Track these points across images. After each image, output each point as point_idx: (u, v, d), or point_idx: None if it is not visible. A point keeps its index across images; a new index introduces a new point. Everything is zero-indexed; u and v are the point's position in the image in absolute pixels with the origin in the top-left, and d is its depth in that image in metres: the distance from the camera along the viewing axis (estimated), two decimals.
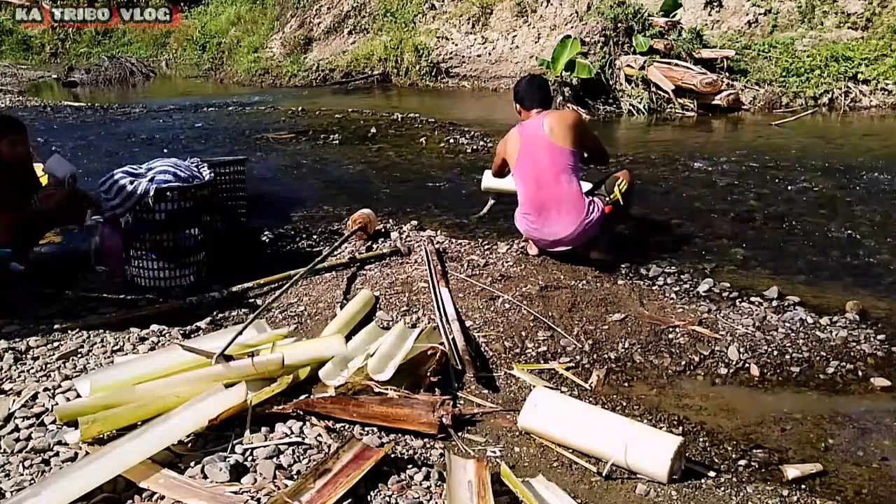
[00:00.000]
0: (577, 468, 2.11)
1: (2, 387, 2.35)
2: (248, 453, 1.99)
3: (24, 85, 14.93)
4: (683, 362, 2.74)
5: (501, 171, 3.88)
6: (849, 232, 4.24)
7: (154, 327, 2.90)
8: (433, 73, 12.35)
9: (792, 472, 2.09)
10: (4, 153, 3.50)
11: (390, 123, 8.30)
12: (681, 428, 2.34)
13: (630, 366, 2.73)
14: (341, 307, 3.06)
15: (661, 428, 2.29)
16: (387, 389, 2.34)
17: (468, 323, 2.93)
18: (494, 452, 2.17)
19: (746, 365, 2.72)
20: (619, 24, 9.02)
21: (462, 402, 2.45)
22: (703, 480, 2.04)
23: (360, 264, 3.57)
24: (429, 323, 2.91)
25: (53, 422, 2.13)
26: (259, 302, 3.21)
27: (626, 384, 2.63)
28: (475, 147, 6.80)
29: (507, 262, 3.55)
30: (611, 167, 4.18)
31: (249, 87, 14.00)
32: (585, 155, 3.69)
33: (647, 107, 8.65)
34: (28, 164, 3.87)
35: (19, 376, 2.43)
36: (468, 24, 12.44)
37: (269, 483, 1.86)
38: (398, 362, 2.43)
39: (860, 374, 2.67)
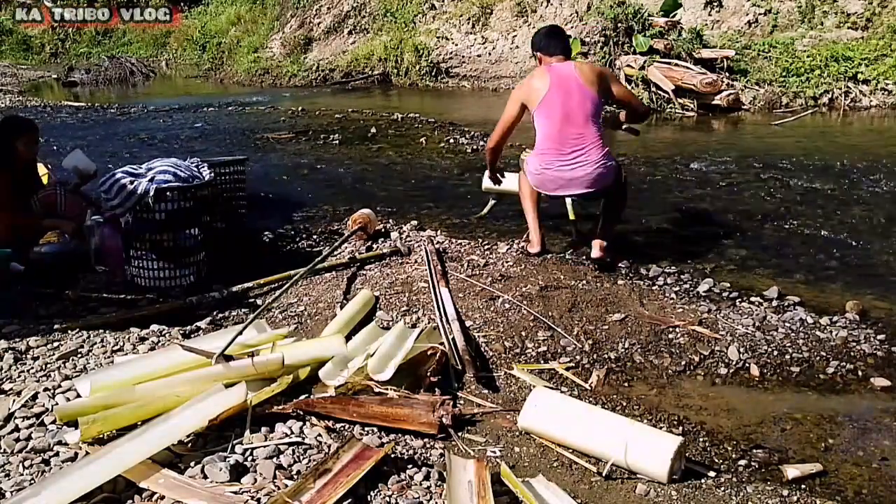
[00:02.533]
0: (577, 468, 2.11)
1: (2, 387, 2.35)
2: (248, 453, 1.99)
3: (24, 85, 14.94)
4: (683, 362, 2.74)
5: (506, 132, 3.68)
6: (849, 232, 4.24)
7: (154, 327, 2.90)
8: (433, 73, 12.36)
9: (792, 472, 2.09)
10: (20, 152, 3.59)
11: (390, 123, 8.30)
12: (681, 428, 2.34)
13: (630, 366, 2.73)
14: (341, 307, 3.06)
15: (661, 428, 2.29)
16: (387, 389, 2.33)
17: (468, 323, 2.93)
18: (494, 452, 2.17)
19: (746, 365, 2.72)
20: (619, 24, 9.03)
21: (462, 402, 2.45)
22: (703, 480, 2.04)
23: (360, 264, 3.57)
24: (429, 323, 2.91)
25: (53, 422, 2.13)
26: (259, 302, 3.21)
27: (626, 384, 2.63)
28: (475, 147, 6.80)
29: (507, 262, 3.55)
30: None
31: (249, 87, 14.01)
32: (614, 107, 3.66)
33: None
34: (33, 164, 3.91)
35: (19, 376, 2.43)
36: (468, 24, 12.44)
37: (269, 483, 1.86)
38: (398, 362, 2.43)
39: (860, 374, 2.67)
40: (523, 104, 3.60)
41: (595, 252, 3.53)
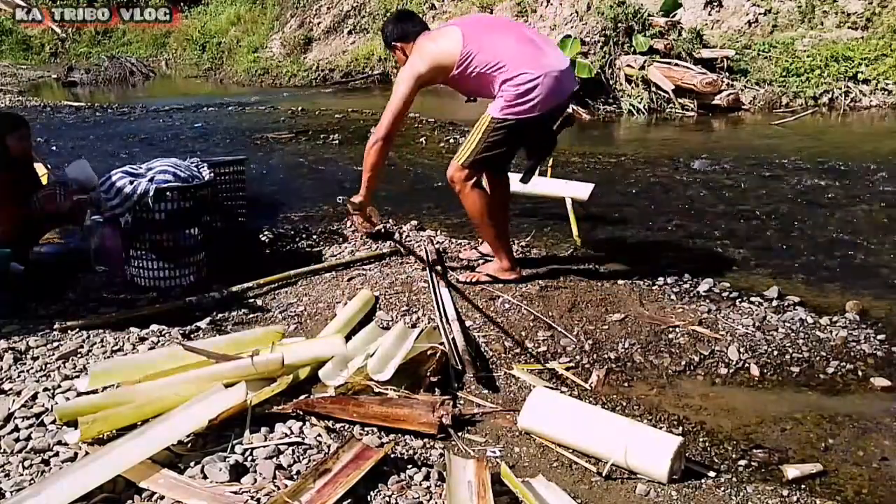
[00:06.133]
0: (577, 468, 2.11)
1: (2, 387, 2.34)
2: (247, 453, 1.99)
3: (24, 85, 14.92)
4: (683, 362, 2.74)
5: (405, 110, 3.12)
6: (849, 232, 4.24)
7: (154, 327, 2.90)
8: None
9: (792, 472, 2.09)
10: (11, 148, 3.56)
11: None
12: (681, 428, 2.34)
13: (630, 366, 2.73)
14: (342, 307, 3.06)
15: (661, 428, 2.29)
16: (387, 389, 2.33)
17: (468, 323, 2.93)
18: (494, 452, 2.17)
19: (746, 365, 2.72)
20: (619, 24, 9.02)
21: (462, 402, 2.45)
22: (703, 480, 2.04)
23: (360, 264, 3.57)
24: (429, 323, 2.91)
25: (53, 422, 2.13)
26: (259, 302, 3.22)
27: (626, 384, 2.64)
28: None
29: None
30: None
31: (249, 87, 14.00)
32: None
33: (647, 107, 8.66)
34: (28, 161, 3.88)
35: (19, 376, 2.43)
36: None
37: (269, 483, 1.86)
38: (398, 362, 2.43)
39: (860, 374, 2.67)
40: (432, 71, 2.98)
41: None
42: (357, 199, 3.19)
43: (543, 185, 4.43)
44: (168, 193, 3.29)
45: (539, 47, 2.98)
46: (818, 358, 2.76)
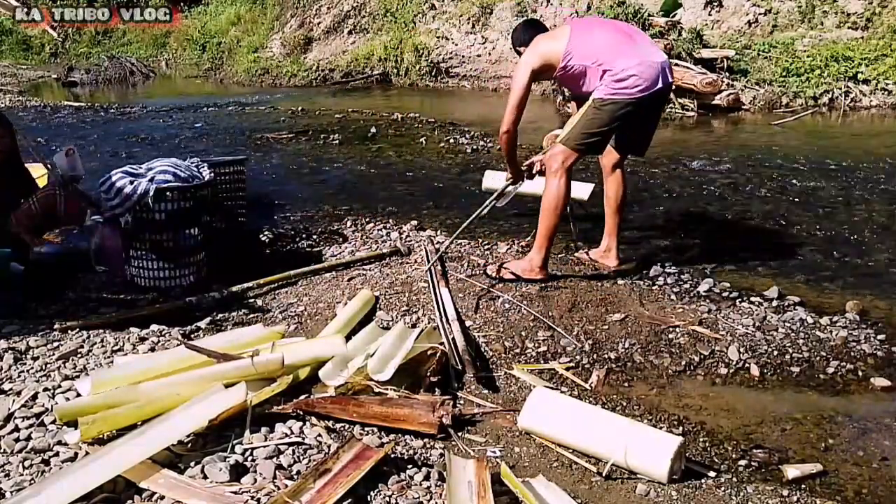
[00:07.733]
0: (577, 468, 2.11)
1: (2, 387, 2.34)
2: (248, 453, 1.99)
3: (24, 85, 14.91)
4: (683, 362, 2.74)
5: (520, 109, 3.30)
6: (849, 232, 4.24)
7: (154, 327, 2.90)
8: (433, 73, 12.35)
9: (792, 472, 2.10)
10: None
11: (390, 123, 8.30)
12: (681, 428, 2.34)
13: (630, 366, 2.73)
14: (342, 307, 3.06)
15: (661, 428, 2.29)
16: (387, 389, 2.33)
17: (468, 323, 2.93)
18: (494, 452, 2.17)
19: (746, 365, 2.72)
20: None
21: (462, 402, 2.45)
22: (703, 480, 2.04)
23: (360, 264, 3.57)
24: (429, 323, 2.91)
25: (53, 422, 2.13)
26: (259, 302, 3.22)
27: (626, 384, 2.64)
28: (475, 147, 6.80)
29: (506, 262, 3.55)
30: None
31: (249, 87, 13.99)
32: None
33: None
34: (15, 161, 3.77)
35: (19, 376, 2.43)
36: (468, 23, 12.43)
37: (269, 483, 1.86)
38: (398, 362, 2.43)
39: (860, 374, 2.67)
40: (543, 66, 3.26)
41: (614, 262, 3.54)
42: (508, 177, 3.69)
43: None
44: (168, 193, 3.29)
45: (636, 41, 3.22)
46: (818, 358, 2.76)
